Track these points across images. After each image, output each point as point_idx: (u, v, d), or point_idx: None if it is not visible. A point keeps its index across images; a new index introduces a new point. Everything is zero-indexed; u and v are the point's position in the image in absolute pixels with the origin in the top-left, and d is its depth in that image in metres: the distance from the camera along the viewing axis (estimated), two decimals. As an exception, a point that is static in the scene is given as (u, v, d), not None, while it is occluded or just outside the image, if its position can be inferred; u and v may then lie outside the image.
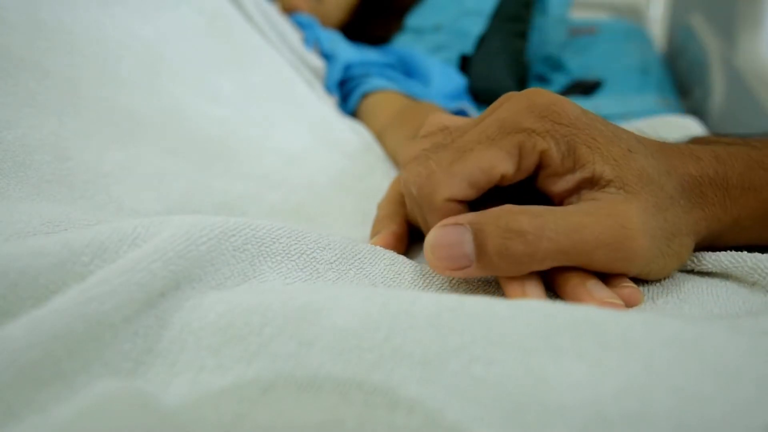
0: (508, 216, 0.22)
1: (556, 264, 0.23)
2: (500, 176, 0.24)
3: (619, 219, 0.22)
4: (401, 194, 0.32)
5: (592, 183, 0.23)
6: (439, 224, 0.23)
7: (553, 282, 0.24)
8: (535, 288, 0.23)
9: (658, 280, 0.26)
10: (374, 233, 0.30)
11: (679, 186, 0.24)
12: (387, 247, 0.28)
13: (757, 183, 0.25)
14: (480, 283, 0.26)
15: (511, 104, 0.24)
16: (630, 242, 0.22)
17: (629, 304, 0.23)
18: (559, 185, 0.24)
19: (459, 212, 0.24)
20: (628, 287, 0.23)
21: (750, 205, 0.25)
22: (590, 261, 0.22)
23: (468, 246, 0.22)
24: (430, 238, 0.23)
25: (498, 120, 0.24)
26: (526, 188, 0.26)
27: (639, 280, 0.26)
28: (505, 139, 0.24)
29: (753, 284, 0.25)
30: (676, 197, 0.24)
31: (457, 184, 0.24)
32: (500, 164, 0.24)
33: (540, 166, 0.24)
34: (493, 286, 0.26)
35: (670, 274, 0.25)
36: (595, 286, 0.23)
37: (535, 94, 0.24)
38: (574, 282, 0.23)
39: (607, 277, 0.24)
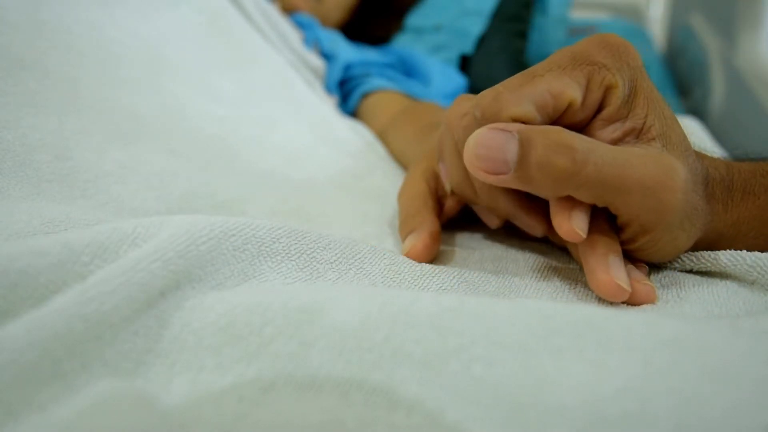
0: (560, 132, 0.22)
1: (589, 198, 0.22)
2: (567, 104, 0.24)
3: (666, 169, 0.22)
4: (426, 186, 0.31)
5: (638, 134, 0.23)
6: (487, 126, 0.22)
7: (580, 246, 0.24)
8: (581, 217, 0.23)
9: (659, 278, 0.26)
10: (406, 232, 0.29)
11: (704, 175, 0.24)
12: (426, 249, 0.28)
13: (757, 189, 0.26)
14: (480, 282, 0.26)
15: (583, 42, 0.24)
16: (670, 194, 0.22)
17: (644, 300, 0.23)
18: (607, 132, 0.24)
19: None
20: (647, 284, 0.24)
21: (748, 209, 0.25)
22: (626, 204, 0.22)
23: (511, 154, 0.22)
24: (473, 137, 0.22)
25: (571, 52, 0.24)
26: None
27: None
28: (576, 69, 0.24)
29: (752, 283, 0.25)
30: (700, 179, 0.24)
31: (524, 103, 0.23)
32: (569, 90, 0.23)
33: (599, 107, 0.24)
34: (493, 286, 0.26)
35: (673, 255, 0.26)
36: (615, 261, 0.23)
37: (607, 35, 0.24)
38: (598, 252, 0.23)
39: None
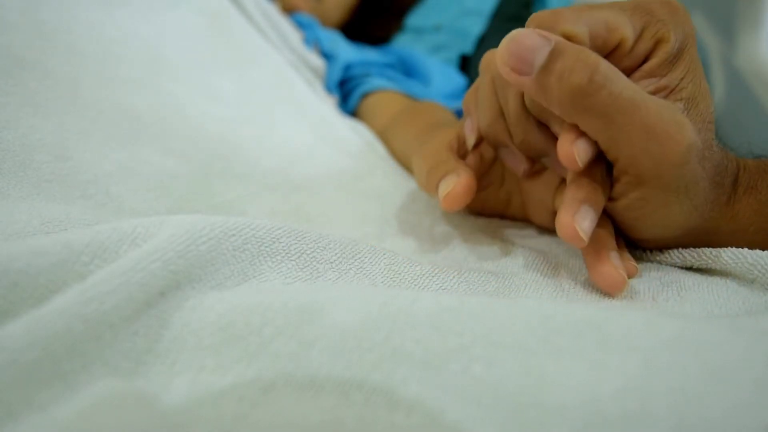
0: (592, 53, 0.22)
1: (595, 128, 0.23)
2: (619, 40, 0.24)
3: (677, 123, 0.22)
4: (449, 143, 0.31)
5: (669, 93, 0.24)
6: (532, 28, 0.23)
7: (567, 185, 0.25)
8: (584, 146, 0.23)
9: (659, 277, 0.26)
10: (438, 178, 0.28)
11: (717, 161, 0.25)
12: (467, 190, 0.27)
13: (760, 184, 0.26)
14: (480, 282, 0.26)
15: None
16: (673, 146, 0.22)
17: (608, 288, 0.24)
18: (642, 86, 0.24)
19: None
20: (620, 273, 0.24)
21: (750, 204, 0.26)
22: (626, 145, 0.22)
23: (540, 57, 0.22)
24: (515, 32, 0.23)
25: (634, 1, 0.25)
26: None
27: (642, 277, 0.26)
28: (635, 13, 0.24)
29: (752, 281, 0.25)
30: (712, 163, 0.24)
31: (580, 24, 0.24)
32: (624, 28, 0.24)
33: (645, 60, 0.24)
34: (493, 286, 0.26)
35: (665, 231, 0.26)
36: (585, 210, 0.23)
37: None
38: (575, 195, 0.23)
39: (605, 252, 0.24)
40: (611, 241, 0.25)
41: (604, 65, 0.22)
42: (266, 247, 0.23)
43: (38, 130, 0.30)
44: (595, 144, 0.24)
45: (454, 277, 0.26)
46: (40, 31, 0.34)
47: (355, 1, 0.86)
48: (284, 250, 0.24)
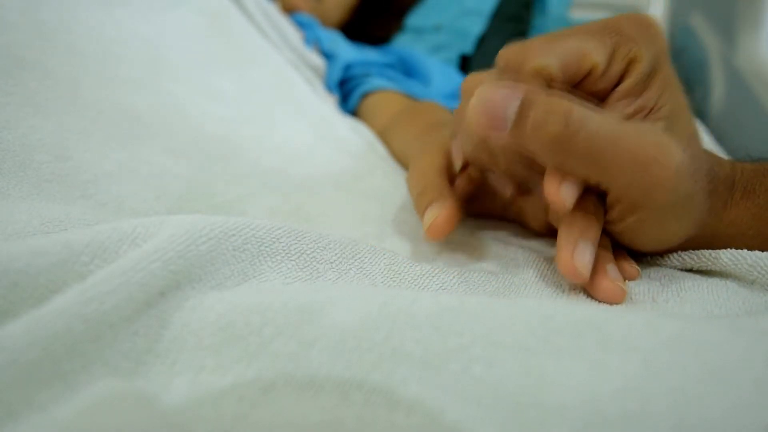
0: (560, 98, 0.22)
1: (581, 169, 0.22)
2: (591, 66, 0.24)
3: (661, 146, 0.22)
4: (439, 161, 0.31)
5: (648, 113, 0.24)
6: (496, 82, 0.23)
7: (559, 224, 0.24)
8: (570, 187, 0.23)
9: (659, 277, 0.26)
10: (424, 205, 0.28)
11: (706, 165, 0.24)
12: (449, 220, 0.27)
13: (758, 188, 0.26)
14: (480, 282, 0.26)
15: (617, 15, 0.25)
16: (661, 171, 0.21)
17: (610, 300, 0.24)
18: (621, 106, 0.24)
19: None
20: (618, 286, 0.24)
21: (748, 208, 0.26)
22: (615, 178, 0.22)
23: (511, 111, 0.22)
24: (481, 90, 0.22)
25: (602, 22, 0.25)
26: None
27: (643, 278, 0.26)
28: (605, 35, 0.24)
29: (752, 282, 0.25)
30: (703, 171, 0.24)
31: (549, 56, 0.24)
32: (595, 53, 0.24)
33: (619, 80, 0.24)
34: (493, 286, 0.26)
35: (664, 243, 0.26)
36: (583, 246, 0.23)
37: (638, 14, 0.25)
38: (570, 231, 0.24)
39: (602, 265, 0.24)
40: (608, 255, 0.25)
41: (576, 109, 0.21)
42: (266, 247, 0.23)
43: (38, 130, 0.30)
44: (581, 181, 0.23)
45: (454, 277, 0.26)
46: (40, 31, 0.34)
47: (355, 1, 0.86)
48: (284, 250, 0.24)
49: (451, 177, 0.31)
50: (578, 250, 0.23)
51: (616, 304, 0.24)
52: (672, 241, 0.25)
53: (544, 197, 0.24)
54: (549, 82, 0.24)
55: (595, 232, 0.24)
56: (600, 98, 0.25)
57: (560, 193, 0.23)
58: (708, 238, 0.26)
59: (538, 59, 0.23)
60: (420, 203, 0.29)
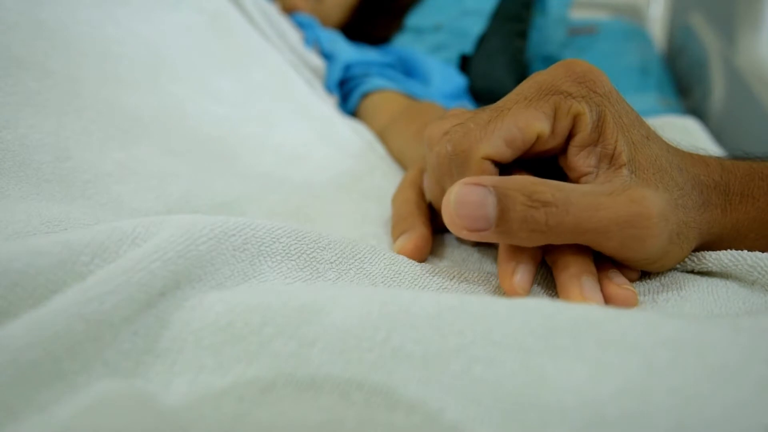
0: (533, 185, 0.22)
1: (572, 241, 0.23)
2: (536, 135, 0.24)
3: (636, 200, 0.22)
4: (419, 189, 0.31)
5: (610, 161, 0.24)
6: (461, 182, 0.23)
7: (553, 267, 0.25)
8: (526, 277, 0.24)
9: (659, 277, 0.26)
10: (398, 233, 0.29)
11: (689, 183, 0.24)
12: (417, 250, 0.28)
13: (756, 192, 0.26)
14: (480, 282, 0.26)
15: (549, 70, 0.25)
16: (647, 223, 0.22)
17: (624, 306, 0.23)
18: (582, 158, 0.24)
19: (491, 174, 0.25)
20: (627, 289, 0.24)
21: (748, 212, 0.26)
22: (606, 241, 0.23)
23: (491, 209, 0.22)
24: (452, 195, 0.23)
25: (536, 82, 0.25)
26: (545, 171, 0.26)
27: (641, 276, 0.26)
28: (542, 99, 0.24)
29: (753, 283, 0.25)
30: (687, 190, 0.24)
31: (494, 141, 0.24)
32: (536, 123, 0.24)
33: (570, 135, 0.25)
34: (493, 286, 0.26)
35: (671, 266, 0.26)
36: (588, 282, 0.23)
37: (573, 62, 0.25)
38: (570, 272, 0.23)
39: (604, 273, 0.24)
40: (607, 261, 0.25)
41: (553, 191, 0.22)
42: (266, 247, 0.23)
43: (38, 130, 0.30)
44: (537, 264, 0.24)
45: (454, 276, 0.26)
46: (40, 31, 0.34)
47: (355, 1, 0.86)
48: (284, 250, 0.24)
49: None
50: (586, 289, 0.23)
51: (632, 306, 0.23)
52: (679, 260, 0.25)
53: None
54: (500, 164, 0.25)
55: (592, 266, 0.24)
56: (556, 153, 0.26)
57: (515, 284, 0.23)
58: (710, 243, 0.26)
59: (483, 147, 0.24)
60: (393, 232, 0.30)
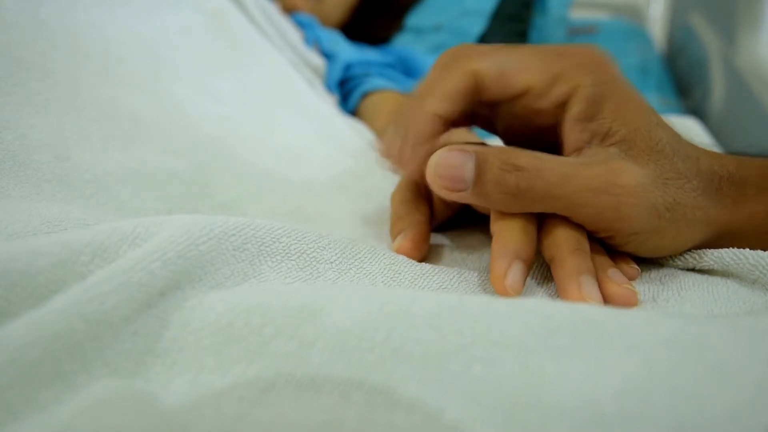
0: (509, 152, 0.24)
1: (548, 209, 0.24)
2: (524, 87, 0.25)
3: (613, 172, 0.23)
4: (418, 188, 0.32)
5: (602, 139, 0.24)
6: (447, 147, 0.24)
7: (551, 265, 0.25)
8: (518, 277, 0.24)
9: (659, 277, 0.26)
10: (396, 232, 0.30)
11: (696, 173, 0.25)
12: (415, 248, 0.28)
13: None
14: (480, 282, 0.26)
15: (573, 45, 0.26)
16: (620, 190, 0.23)
17: (624, 305, 0.23)
18: (576, 132, 0.25)
19: (434, 129, 0.26)
20: (627, 288, 0.24)
21: (763, 203, 0.26)
22: (581, 208, 0.23)
23: (468, 171, 0.23)
24: (435, 157, 0.24)
25: (558, 47, 0.26)
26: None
27: (642, 277, 0.26)
28: (553, 60, 0.25)
29: (753, 282, 0.25)
30: (690, 177, 0.24)
31: (485, 61, 0.25)
32: (527, 73, 0.25)
33: (566, 105, 0.25)
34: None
35: (672, 248, 0.26)
36: (586, 281, 0.23)
37: (594, 46, 0.26)
38: (568, 271, 0.24)
39: (603, 271, 0.24)
40: (606, 260, 0.25)
41: (528, 159, 0.23)
42: (266, 247, 0.23)
43: (38, 130, 0.30)
44: (531, 265, 0.25)
45: (454, 276, 0.26)
46: (40, 31, 0.34)
47: (355, 1, 0.86)
48: (284, 250, 0.24)
49: (431, 202, 0.32)
50: (585, 287, 0.23)
51: (631, 306, 0.23)
52: (681, 245, 0.25)
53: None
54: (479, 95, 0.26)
55: (590, 264, 0.24)
56: (553, 123, 0.26)
57: (506, 285, 0.23)
58: (723, 237, 0.26)
59: (427, 105, 0.26)
60: (392, 232, 0.31)
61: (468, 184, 0.24)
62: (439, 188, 0.24)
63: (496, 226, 0.25)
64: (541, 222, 0.26)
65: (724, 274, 0.26)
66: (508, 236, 0.24)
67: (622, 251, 0.26)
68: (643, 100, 0.25)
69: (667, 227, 0.24)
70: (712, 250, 0.26)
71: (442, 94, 0.26)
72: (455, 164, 0.24)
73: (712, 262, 0.26)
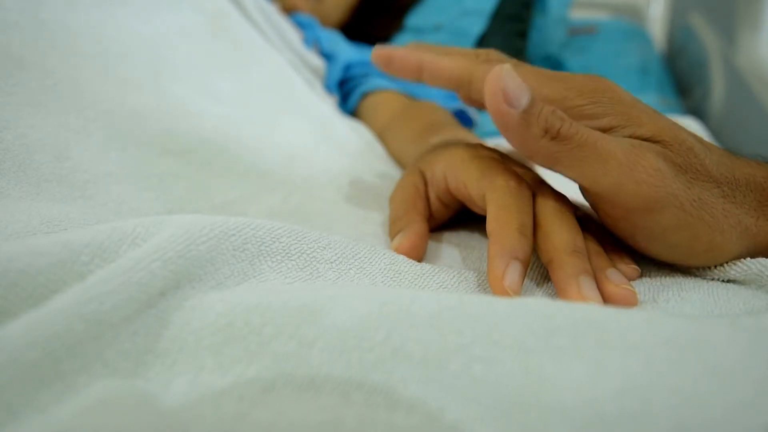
0: (556, 110, 0.24)
1: (573, 168, 0.24)
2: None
3: (637, 149, 0.23)
4: (416, 188, 0.32)
5: (633, 133, 0.25)
6: (512, 71, 0.24)
7: (548, 267, 0.25)
8: (516, 278, 0.24)
9: (659, 277, 0.26)
10: (395, 232, 0.30)
11: (732, 179, 0.24)
12: (413, 246, 0.28)
13: None
14: (480, 282, 0.26)
15: (579, 75, 0.27)
16: (639, 168, 0.23)
17: (622, 305, 0.23)
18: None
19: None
20: (627, 289, 0.23)
21: None
22: (603, 176, 0.23)
23: (525, 98, 0.23)
24: (503, 70, 0.24)
25: (577, 78, 0.27)
26: None
27: (643, 278, 0.26)
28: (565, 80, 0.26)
29: (760, 287, 0.24)
30: (720, 181, 0.24)
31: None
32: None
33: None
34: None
35: (712, 257, 0.25)
36: (585, 281, 0.23)
37: (597, 77, 0.27)
38: (566, 272, 0.24)
39: (602, 273, 0.24)
40: (604, 260, 0.25)
41: (570, 121, 0.24)
42: (266, 247, 0.23)
43: (38, 130, 0.30)
44: (528, 265, 0.25)
45: (454, 276, 0.26)
46: (40, 31, 0.34)
47: (355, 1, 0.86)
48: (284, 250, 0.24)
49: (430, 203, 0.32)
50: (584, 288, 0.23)
51: (631, 306, 0.23)
52: (717, 255, 0.25)
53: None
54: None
55: (587, 265, 0.24)
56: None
57: (504, 285, 0.23)
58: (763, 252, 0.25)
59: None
60: (391, 231, 0.31)
61: (521, 105, 0.23)
62: (493, 94, 0.24)
63: (492, 226, 0.25)
64: (538, 225, 0.26)
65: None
66: (505, 236, 0.24)
67: (650, 256, 0.26)
68: (662, 116, 0.26)
69: (695, 224, 0.23)
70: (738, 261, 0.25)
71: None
72: (516, 85, 0.23)
73: (716, 275, 0.25)
